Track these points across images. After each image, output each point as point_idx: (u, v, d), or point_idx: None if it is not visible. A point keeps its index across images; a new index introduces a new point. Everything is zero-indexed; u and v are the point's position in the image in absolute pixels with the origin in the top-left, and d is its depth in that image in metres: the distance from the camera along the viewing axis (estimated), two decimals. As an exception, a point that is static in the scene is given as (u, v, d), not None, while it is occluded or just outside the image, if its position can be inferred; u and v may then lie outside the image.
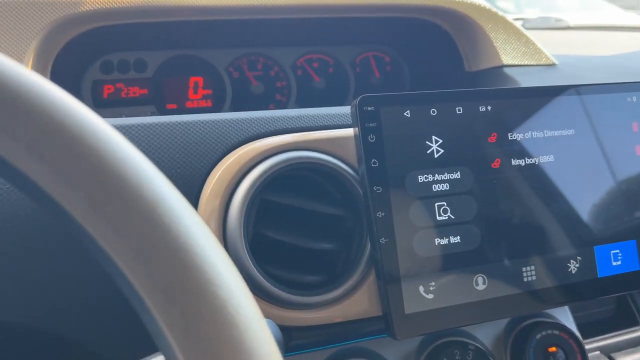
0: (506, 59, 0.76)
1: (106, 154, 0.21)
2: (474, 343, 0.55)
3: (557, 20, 1.26)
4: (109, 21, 0.67)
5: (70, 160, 0.21)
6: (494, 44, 0.76)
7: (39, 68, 0.63)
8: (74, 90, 0.75)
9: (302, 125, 0.56)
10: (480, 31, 0.76)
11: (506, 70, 0.76)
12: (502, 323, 0.59)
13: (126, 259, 0.21)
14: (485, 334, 0.58)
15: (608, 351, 0.65)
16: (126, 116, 0.76)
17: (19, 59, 0.62)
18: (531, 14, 1.74)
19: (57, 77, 0.66)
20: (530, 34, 0.80)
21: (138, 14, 0.68)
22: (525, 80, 0.74)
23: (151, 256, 0.21)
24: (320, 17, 0.76)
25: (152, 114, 0.78)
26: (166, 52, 0.78)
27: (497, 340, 0.58)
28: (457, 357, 0.54)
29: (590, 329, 0.67)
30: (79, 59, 0.73)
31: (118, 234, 0.21)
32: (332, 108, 0.59)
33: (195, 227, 0.23)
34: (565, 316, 0.62)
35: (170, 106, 0.79)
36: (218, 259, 0.23)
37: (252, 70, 0.82)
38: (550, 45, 0.85)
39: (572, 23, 1.22)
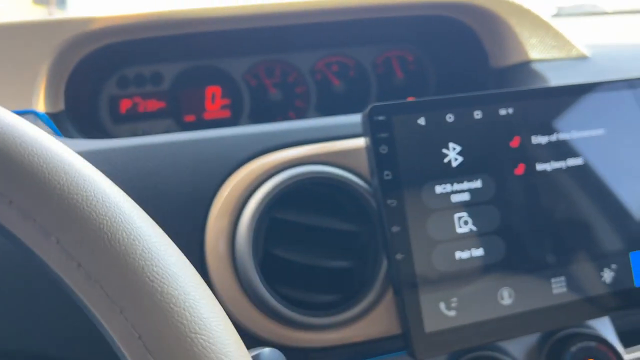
0: (533, 54, 0.72)
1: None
2: (504, 358, 0.53)
3: (593, 6, 1.21)
4: (121, 37, 0.66)
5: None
6: (519, 38, 0.72)
7: (52, 88, 0.62)
8: (92, 107, 0.74)
9: (316, 136, 0.54)
10: (504, 25, 0.73)
11: (534, 65, 0.72)
12: (535, 335, 0.56)
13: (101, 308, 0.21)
14: (517, 347, 0.55)
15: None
16: (144, 131, 0.75)
17: (32, 80, 0.62)
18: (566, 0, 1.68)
19: (72, 95, 0.66)
20: (564, 23, 0.76)
21: (151, 28, 0.67)
22: (555, 76, 0.70)
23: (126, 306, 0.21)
24: (340, 20, 0.73)
25: (169, 127, 0.77)
26: (182, 63, 0.77)
27: (529, 353, 0.55)
28: (486, 374, 0.52)
29: (634, 336, 0.63)
30: (94, 76, 0.73)
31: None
32: (342, 117, 0.56)
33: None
34: (604, 325, 0.58)
35: (188, 118, 0.78)
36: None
37: (270, 77, 0.81)
38: (585, 33, 0.80)
39: (608, 8, 1.17)
